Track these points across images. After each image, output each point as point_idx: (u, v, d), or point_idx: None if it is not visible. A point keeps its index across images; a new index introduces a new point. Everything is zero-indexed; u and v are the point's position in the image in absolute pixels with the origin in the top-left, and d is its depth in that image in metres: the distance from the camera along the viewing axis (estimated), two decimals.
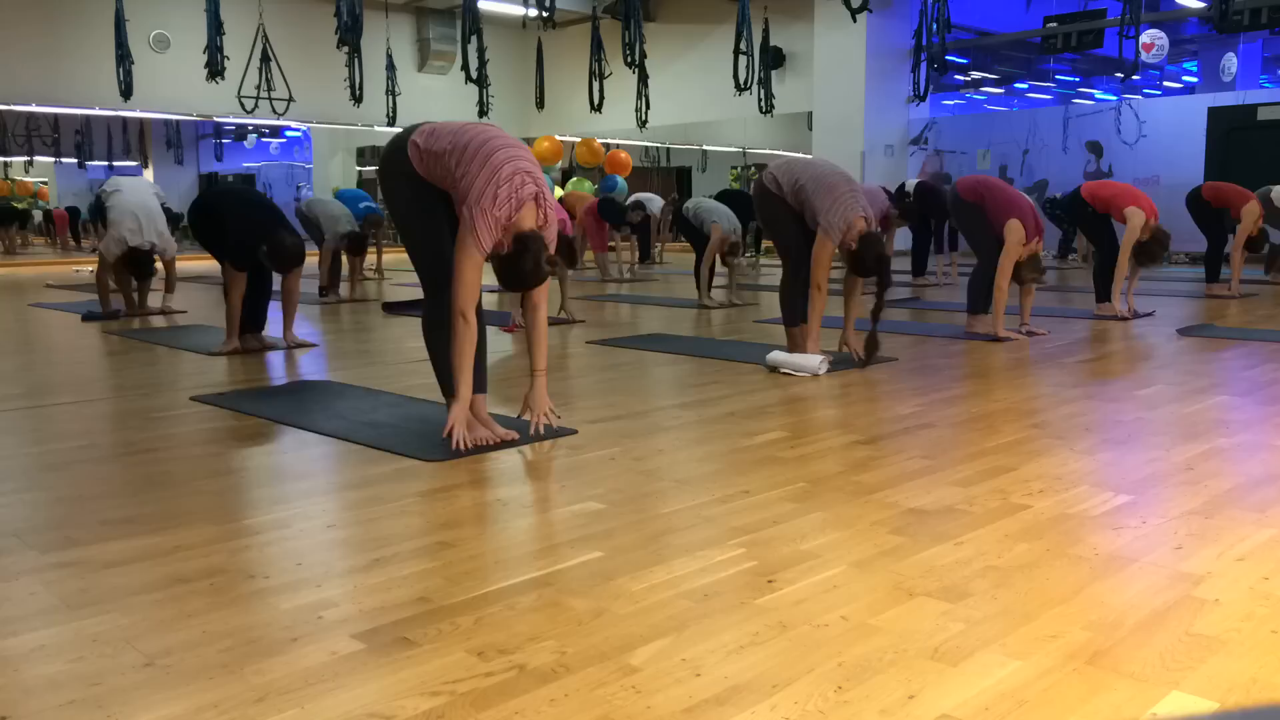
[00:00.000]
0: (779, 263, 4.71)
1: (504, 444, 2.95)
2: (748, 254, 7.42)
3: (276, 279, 5.25)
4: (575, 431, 3.16)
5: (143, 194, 6.78)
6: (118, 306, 6.85)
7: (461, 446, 2.85)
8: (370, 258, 9.99)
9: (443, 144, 2.86)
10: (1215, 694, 1.42)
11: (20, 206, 20.24)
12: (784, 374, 4.26)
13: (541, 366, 3.05)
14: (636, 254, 12.13)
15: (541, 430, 3.04)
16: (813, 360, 4.25)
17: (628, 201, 11.42)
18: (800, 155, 4.47)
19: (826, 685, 1.45)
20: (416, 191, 2.96)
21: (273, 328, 5.39)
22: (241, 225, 4.96)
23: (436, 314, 3.00)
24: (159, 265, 7.07)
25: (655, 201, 11.88)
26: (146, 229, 6.59)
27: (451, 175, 2.84)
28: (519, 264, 2.78)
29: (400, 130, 3.06)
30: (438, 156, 2.86)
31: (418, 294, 3.47)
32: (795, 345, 4.55)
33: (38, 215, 20.85)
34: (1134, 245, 5.88)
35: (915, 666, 1.51)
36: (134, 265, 6.77)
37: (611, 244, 11.29)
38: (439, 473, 2.69)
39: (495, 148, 2.82)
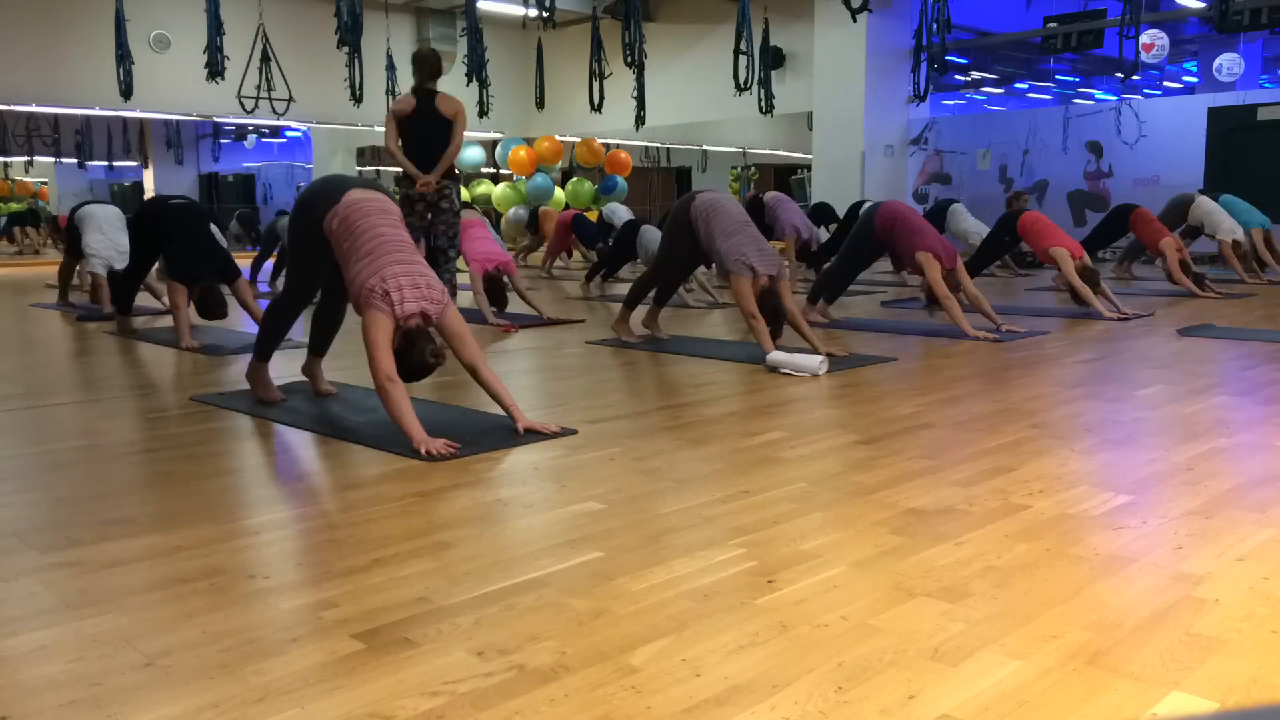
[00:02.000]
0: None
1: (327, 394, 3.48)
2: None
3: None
4: (575, 431, 3.17)
5: (111, 224, 7.11)
6: (109, 311, 6.89)
7: (441, 451, 2.86)
8: None
9: (352, 232, 3.14)
10: (1215, 694, 1.42)
11: (19, 207, 20.27)
12: (784, 374, 4.26)
13: (513, 404, 3.19)
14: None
15: (556, 429, 3.16)
16: (813, 360, 4.25)
17: (616, 218, 11.29)
18: (720, 204, 4.81)
19: (826, 685, 1.45)
20: (315, 242, 3.29)
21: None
22: (183, 250, 5.34)
23: (279, 303, 3.63)
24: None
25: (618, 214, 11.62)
26: (119, 255, 6.86)
27: (346, 258, 3.14)
28: (408, 359, 3.04)
29: (332, 178, 3.39)
30: (344, 239, 3.15)
31: None
32: (622, 325, 5.35)
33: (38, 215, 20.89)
34: (1078, 272, 6.34)
35: (915, 666, 1.51)
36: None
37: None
38: (439, 473, 2.69)
39: (389, 262, 3.05)
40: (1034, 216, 6.80)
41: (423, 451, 2.84)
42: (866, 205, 6.69)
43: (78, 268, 7.49)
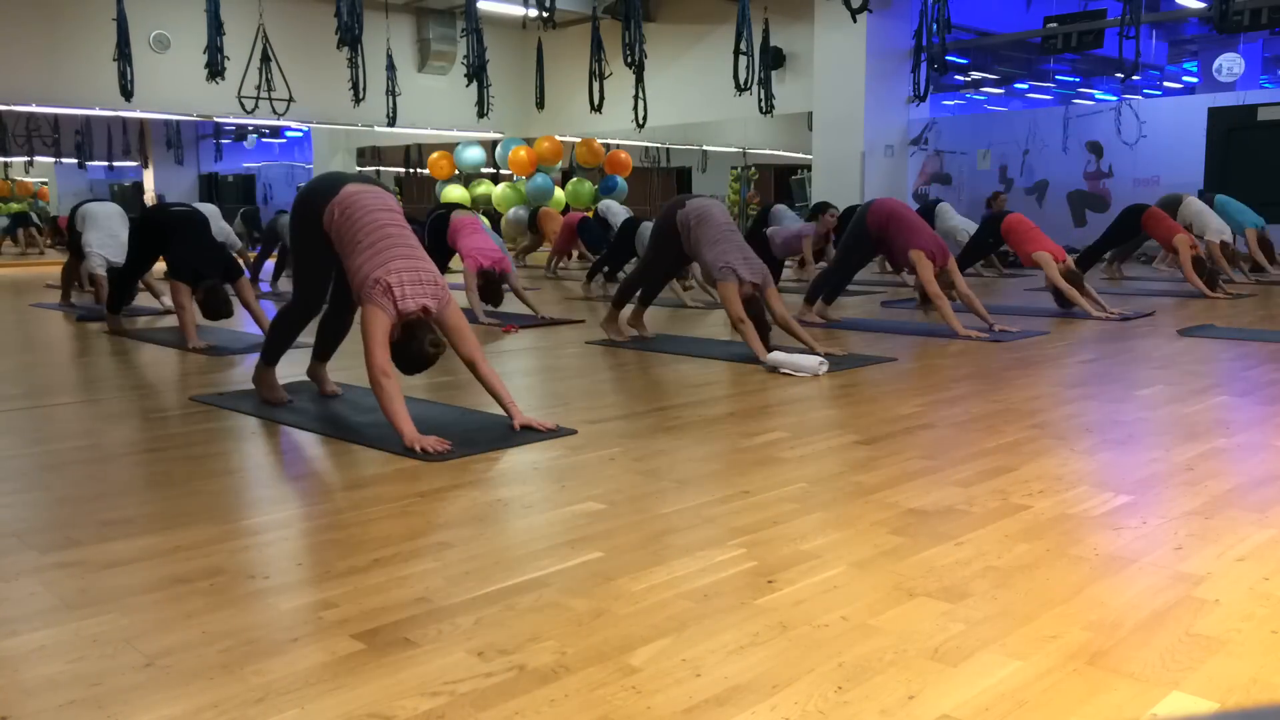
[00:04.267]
0: None
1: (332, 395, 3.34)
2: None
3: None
4: (575, 431, 3.17)
5: (112, 221, 7.11)
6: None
7: (433, 448, 2.86)
8: None
9: (352, 224, 3.14)
10: (1215, 694, 1.42)
11: (19, 208, 20.28)
12: (784, 374, 4.26)
13: (510, 401, 3.21)
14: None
15: (551, 426, 3.17)
16: (812, 360, 4.25)
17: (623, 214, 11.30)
18: (707, 212, 4.81)
19: (826, 685, 1.45)
20: (316, 240, 3.27)
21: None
22: (182, 253, 5.37)
23: (289, 310, 3.57)
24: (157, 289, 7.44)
25: (617, 216, 11.56)
26: (121, 252, 6.86)
27: (347, 250, 3.13)
28: (407, 350, 3.06)
29: (329, 174, 3.38)
30: (341, 233, 3.15)
31: None
32: (611, 324, 5.42)
33: (33, 216, 20.89)
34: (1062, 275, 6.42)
35: (915, 667, 1.51)
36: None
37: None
38: (439, 473, 2.69)
39: (392, 256, 3.06)
40: (1017, 219, 6.87)
41: (417, 448, 2.84)
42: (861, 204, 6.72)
43: (81, 267, 7.47)
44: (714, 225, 4.75)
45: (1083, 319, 6.17)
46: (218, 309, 5.31)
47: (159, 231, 5.49)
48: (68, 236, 7.49)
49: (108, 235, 6.97)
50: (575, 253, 12.20)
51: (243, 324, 6.17)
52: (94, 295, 7.24)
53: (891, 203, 5.74)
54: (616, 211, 11.36)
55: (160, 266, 6.45)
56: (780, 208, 10.50)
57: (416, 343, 3.05)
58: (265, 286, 9.13)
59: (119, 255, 6.82)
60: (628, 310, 5.57)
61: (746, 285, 4.60)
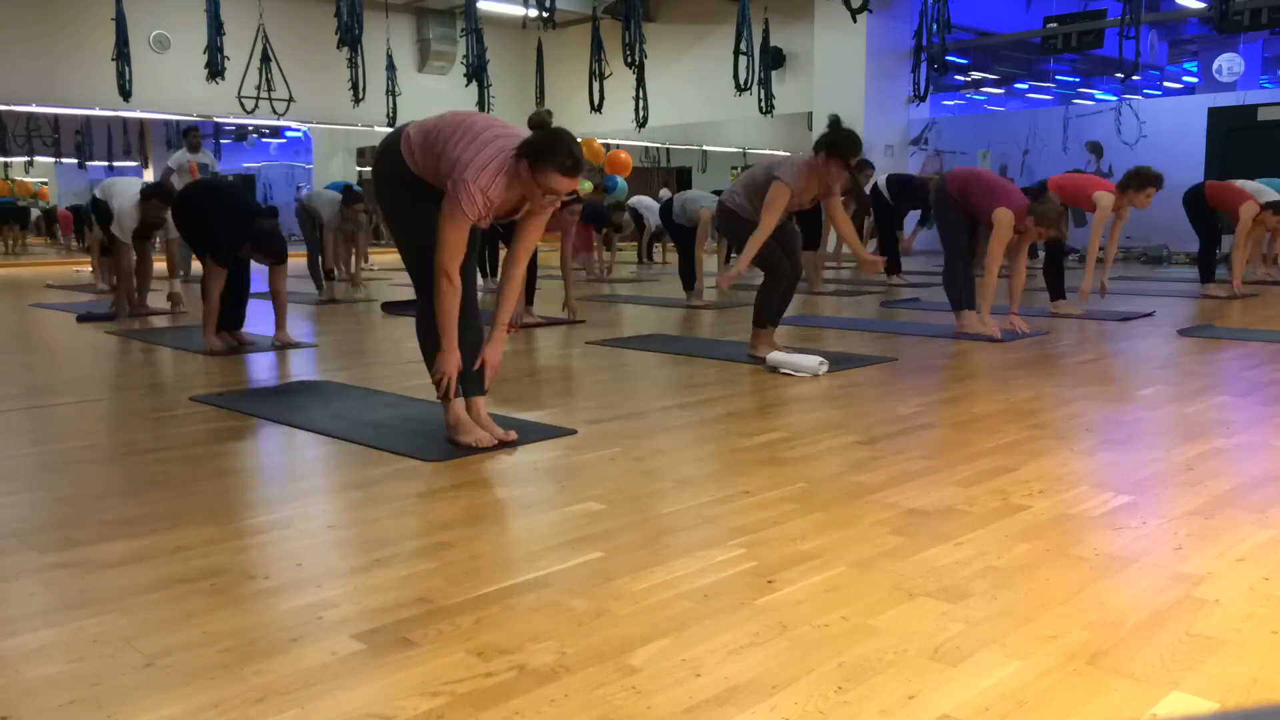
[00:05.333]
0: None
1: (503, 445, 2.96)
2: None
3: (255, 279, 5.29)
4: (575, 431, 3.17)
5: (135, 193, 6.93)
6: (114, 310, 6.85)
7: (451, 393, 2.85)
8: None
9: (435, 133, 2.84)
10: (1215, 694, 1.42)
11: (20, 206, 20.28)
12: (784, 374, 4.26)
13: (503, 320, 2.97)
14: (612, 255, 11.91)
15: (494, 366, 3.00)
16: (812, 360, 4.25)
17: (626, 200, 11.42)
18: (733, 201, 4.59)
19: (826, 685, 1.45)
20: (409, 190, 2.92)
21: (258, 326, 5.39)
22: (227, 221, 5.04)
23: (430, 316, 2.92)
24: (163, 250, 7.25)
25: (652, 211, 11.67)
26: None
27: (440, 163, 2.81)
28: (556, 137, 2.71)
29: (393, 129, 3.05)
30: (429, 145, 2.84)
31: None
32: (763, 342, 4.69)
33: (34, 213, 20.90)
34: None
35: (915, 667, 1.51)
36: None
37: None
38: (439, 473, 2.69)
39: (491, 135, 2.79)
40: (1064, 177, 6.74)
41: (444, 379, 2.85)
42: (934, 179, 6.56)
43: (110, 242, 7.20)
44: (752, 184, 4.53)
45: (1082, 319, 6.17)
46: (272, 253, 5.03)
47: (198, 209, 5.20)
48: (91, 214, 7.34)
49: (134, 211, 6.70)
50: (598, 251, 11.98)
51: (247, 325, 6.17)
52: (113, 266, 7.00)
53: (964, 169, 5.56)
54: (650, 205, 11.45)
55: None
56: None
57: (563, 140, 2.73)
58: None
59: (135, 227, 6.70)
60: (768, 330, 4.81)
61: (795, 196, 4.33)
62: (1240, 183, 8.24)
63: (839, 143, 4.30)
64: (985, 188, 5.32)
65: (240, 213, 5.11)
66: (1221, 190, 7.70)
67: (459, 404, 2.95)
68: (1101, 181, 6.36)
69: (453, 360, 2.87)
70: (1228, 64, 15.49)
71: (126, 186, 6.87)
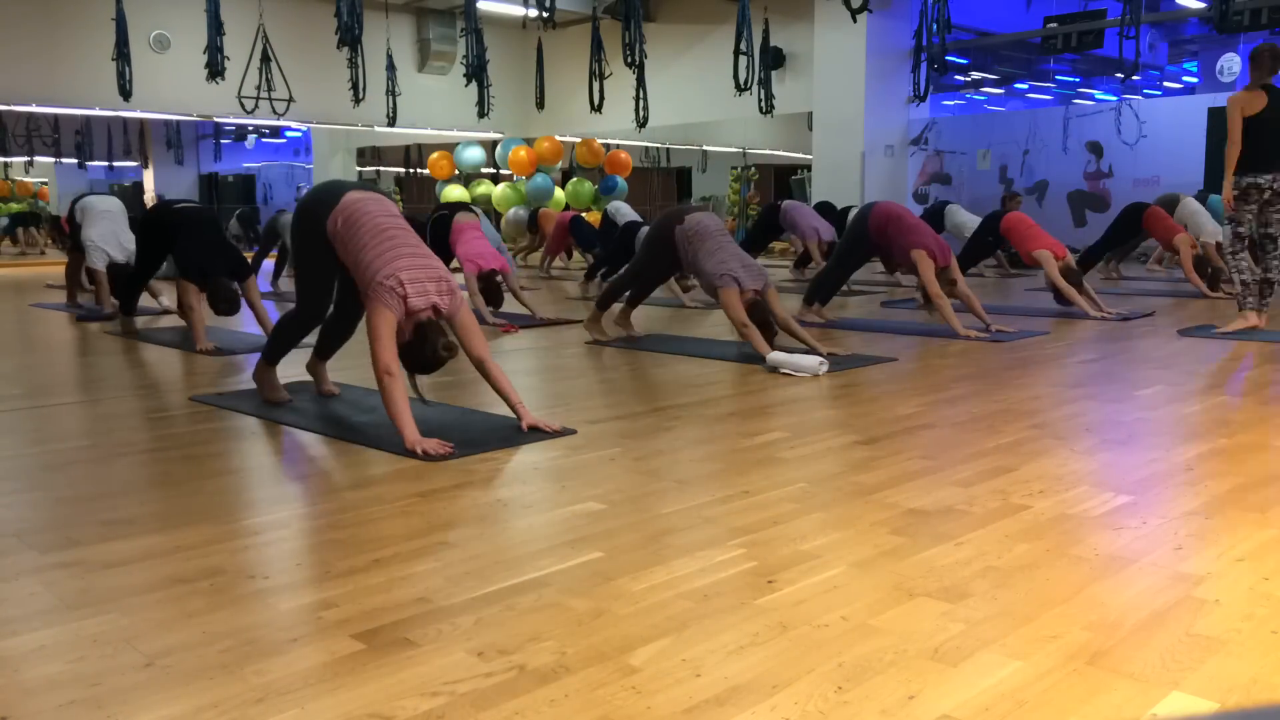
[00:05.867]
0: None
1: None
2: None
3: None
4: (575, 431, 3.17)
5: (113, 216, 7.03)
6: (109, 311, 6.84)
7: (434, 450, 2.84)
8: None
9: (358, 230, 3.15)
10: (1215, 694, 1.42)
11: (20, 208, 20.30)
12: (784, 374, 4.26)
13: (518, 402, 3.21)
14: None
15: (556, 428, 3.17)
16: (812, 360, 4.25)
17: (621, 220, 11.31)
18: (704, 227, 4.84)
19: (826, 685, 1.45)
20: (319, 247, 3.28)
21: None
22: (190, 253, 5.35)
23: (291, 317, 3.56)
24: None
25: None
26: (121, 248, 6.84)
27: (354, 254, 3.14)
28: (420, 352, 3.09)
29: (329, 183, 3.40)
30: (350, 236, 3.16)
31: None
32: (594, 325, 5.41)
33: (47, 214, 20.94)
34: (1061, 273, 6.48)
35: (915, 667, 1.51)
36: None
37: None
38: (439, 473, 2.69)
39: (399, 255, 3.08)
40: (1017, 218, 6.94)
41: (418, 450, 2.84)
42: (858, 206, 6.75)
43: (84, 264, 7.36)
44: (710, 237, 4.80)
45: (1082, 318, 6.17)
46: (225, 304, 5.29)
47: (164, 229, 5.47)
48: (69, 233, 7.43)
49: (109, 231, 6.85)
50: (573, 252, 12.20)
51: (245, 324, 6.17)
52: (94, 295, 7.16)
53: (892, 205, 5.77)
54: (625, 213, 11.37)
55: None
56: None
57: (429, 345, 3.07)
58: (265, 286, 9.11)
59: (119, 253, 6.77)
60: (614, 310, 5.57)
61: (748, 291, 4.62)
62: (1182, 204, 8.45)
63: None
64: (905, 227, 5.60)
65: (208, 246, 5.37)
66: (1159, 219, 7.91)
67: (412, 437, 2.93)
68: (1046, 240, 6.65)
69: (412, 436, 2.90)
70: (1228, 64, 15.49)
71: (101, 216, 6.92)
